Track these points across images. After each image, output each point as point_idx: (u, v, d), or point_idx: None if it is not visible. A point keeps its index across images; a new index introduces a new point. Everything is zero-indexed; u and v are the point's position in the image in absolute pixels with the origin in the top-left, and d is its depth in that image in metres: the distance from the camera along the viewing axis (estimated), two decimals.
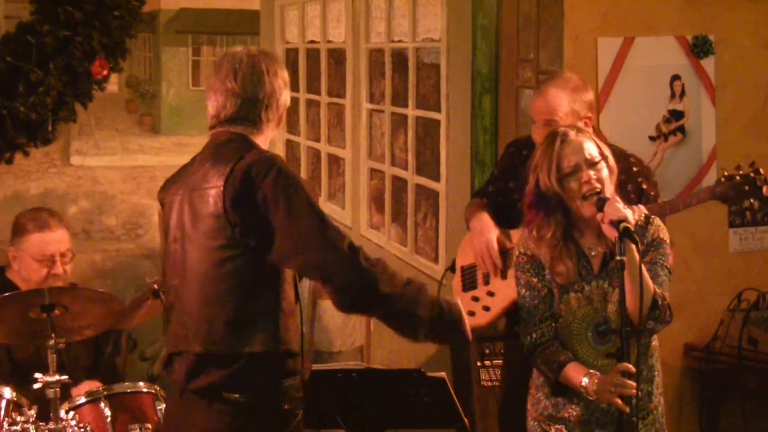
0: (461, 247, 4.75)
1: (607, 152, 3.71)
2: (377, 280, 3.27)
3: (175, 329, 3.41)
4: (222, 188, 3.26)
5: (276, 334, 3.29)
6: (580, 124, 4.33)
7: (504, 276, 4.48)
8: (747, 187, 4.10)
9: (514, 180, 4.54)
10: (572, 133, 3.68)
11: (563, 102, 4.34)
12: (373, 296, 3.28)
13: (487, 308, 4.54)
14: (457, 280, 4.70)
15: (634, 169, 4.40)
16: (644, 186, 4.34)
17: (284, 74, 3.44)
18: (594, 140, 3.70)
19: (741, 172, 4.12)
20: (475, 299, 4.59)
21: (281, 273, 3.33)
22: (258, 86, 3.37)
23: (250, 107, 3.38)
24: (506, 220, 4.53)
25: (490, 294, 4.54)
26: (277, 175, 3.24)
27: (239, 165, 3.27)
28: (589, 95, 4.42)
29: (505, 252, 4.48)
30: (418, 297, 3.37)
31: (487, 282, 4.56)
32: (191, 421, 3.36)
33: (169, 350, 3.44)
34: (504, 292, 4.47)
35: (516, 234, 4.45)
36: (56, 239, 4.60)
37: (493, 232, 4.49)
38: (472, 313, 4.60)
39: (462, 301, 4.60)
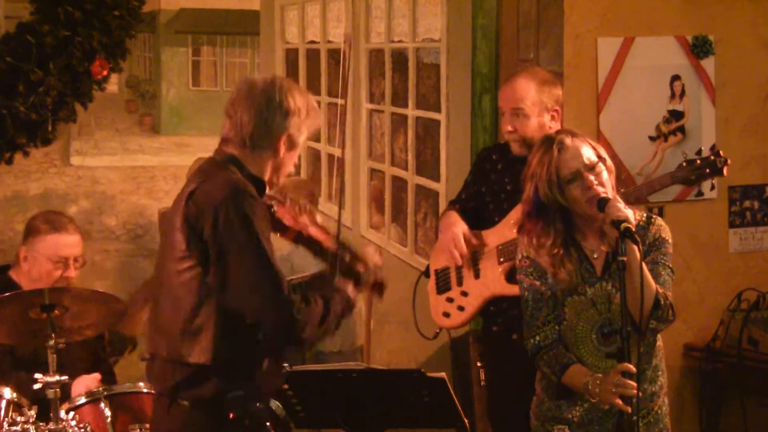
0: (434, 251, 4.79)
1: (603, 153, 3.70)
2: (301, 328, 3.40)
3: (152, 333, 3.56)
4: (184, 203, 3.40)
5: (215, 347, 3.39)
6: (547, 117, 4.38)
7: (477, 275, 4.50)
8: (708, 169, 4.22)
9: (485, 184, 4.59)
10: (568, 139, 3.66)
11: (531, 91, 4.39)
12: (296, 341, 3.48)
13: (461, 308, 4.57)
14: (431, 284, 4.73)
15: None
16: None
17: (291, 103, 3.48)
18: (588, 142, 3.69)
19: (702, 156, 4.20)
20: (450, 300, 4.62)
21: (214, 295, 3.41)
22: (249, 113, 3.45)
23: (240, 132, 3.46)
24: (479, 222, 4.57)
25: (464, 294, 4.57)
26: (229, 208, 3.33)
27: (203, 186, 3.40)
28: (558, 90, 4.49)
29: (475, 252, 4.51)
30: (334, 320, 3.53)
31: (460, 283, 4.59)
32: (159, 418, 3.57)
33: (149, 350, 3.59)
34: (477, 291, 4.50)
35: (488, 235, 4.49)
36: (72, 243, 4.62)
37: (459, 226, 4.52)
38: (447, 315, 4.64)
39: (437, 303, 4.68)
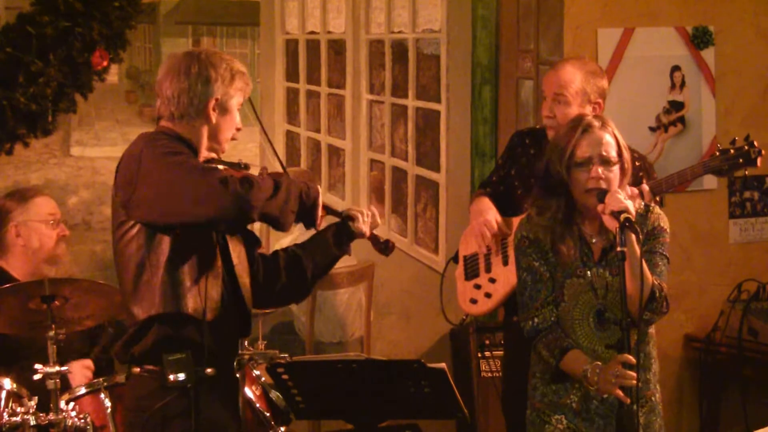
0: (463, 237, 4.75)
1: (625, 152, 3.68)
2: (248, 199, 3.30)
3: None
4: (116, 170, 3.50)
5: (162, 298, 3.41)
6: (589, 109, 4.32)
7: (505, 263, 4.48)
8: (741, 159, 4.17)
9: (516, 167, 4.56)
10: (597, 124, 3.65)
11: (576, 79, 4.32)
12: (242, 210, 3.32)
13: (488, 295, 4.54)
14: (460, 270, 4.70)
15: (637, 163, 4.40)
16: (644, 181, 4.34)
17: (211, 71, 3.50)
18: (616, 137, 3.67)
19: (735, 146, 4.17)
20: (477, 287, 4.59)
21: (159, 244, 3.42)
22: (173, 88, 3.49)
23: (169, 107, 3.51)
24: (509, 206, 4.54)
25: (492, 281, 4.54)
26: (143, 148, 3.39)
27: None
28: (604, 82, 4.40)
29: (504, 239, 4.49)
30: (287, 199, 3.42)
31: (488, 269, 4.57)
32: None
33: None
34: (505, 277, 4.47)
35: (517, 222, 4.45)
36: (53, 203, 4.73)
37: (491, 213, 4.49)
38: (474, 301, 4.61)
39: (465, 290, 4.64)
